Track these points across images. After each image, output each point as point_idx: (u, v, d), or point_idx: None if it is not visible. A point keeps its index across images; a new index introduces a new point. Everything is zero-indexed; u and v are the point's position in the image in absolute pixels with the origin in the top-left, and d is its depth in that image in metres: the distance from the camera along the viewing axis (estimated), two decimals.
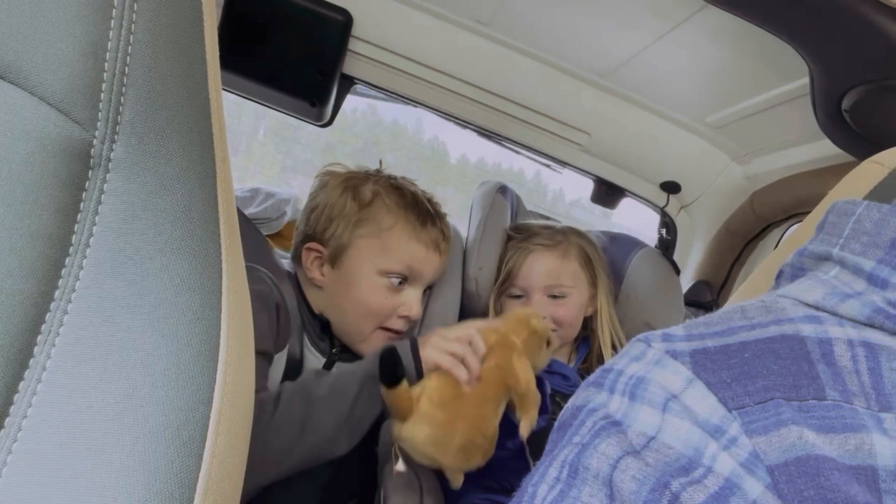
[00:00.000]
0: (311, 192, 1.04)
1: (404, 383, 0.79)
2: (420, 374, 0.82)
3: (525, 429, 0.83)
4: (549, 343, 0.93)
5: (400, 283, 0.97)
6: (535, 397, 0.84)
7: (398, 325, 1.00)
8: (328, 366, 1.01)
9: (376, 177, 1.02)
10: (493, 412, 0.82)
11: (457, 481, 0.86)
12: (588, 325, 1.21)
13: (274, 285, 0.89)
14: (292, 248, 1.04)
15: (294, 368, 0.96)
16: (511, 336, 0.86)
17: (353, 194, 0.97)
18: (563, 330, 1.12)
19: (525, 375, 0.83)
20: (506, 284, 1.15)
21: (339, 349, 1.02)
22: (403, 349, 0.83)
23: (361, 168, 1.05)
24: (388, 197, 0.98)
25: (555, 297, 1.12)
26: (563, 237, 1.17)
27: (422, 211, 0.99)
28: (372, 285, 0.96)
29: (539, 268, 1.13)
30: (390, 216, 0.96)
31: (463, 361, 0.82)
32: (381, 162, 1.10)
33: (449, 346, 0.82)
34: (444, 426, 0.79)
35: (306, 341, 0.99)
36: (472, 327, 0.86)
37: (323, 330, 1.01)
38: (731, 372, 0.31)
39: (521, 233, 1.20)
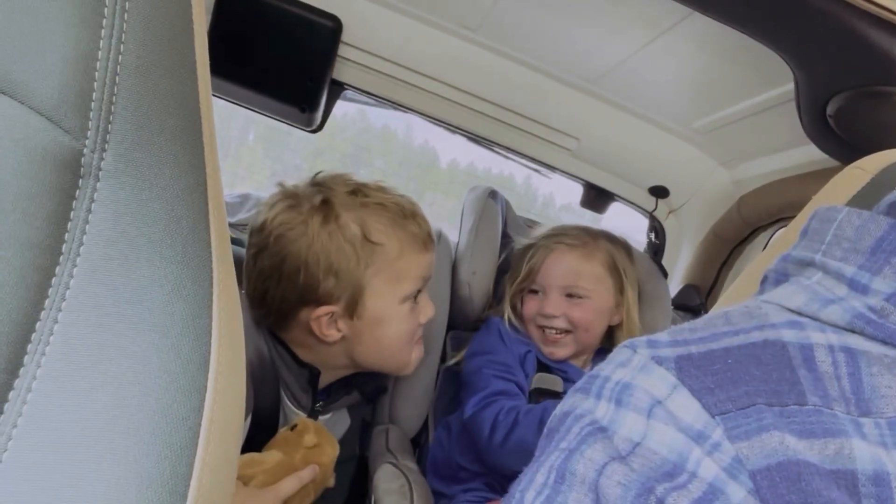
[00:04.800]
0: (271, 249, 0.86)
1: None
2: None
3: None
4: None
5: (416, 296, 0.93)
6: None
7: (421, 332, 0.97)
8: None
9: (339, 198, 0.88)
10: None
11: None
12: (612, 335, 1.18)
13: None
14: (273, 314, 0.89)
15: (265, 432, 0.89)
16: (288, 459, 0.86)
17: (342, 235, 0.85)
18: (578, 332, 1.10)
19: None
20: (527, 281, 1.14)
21: (322, 402, 0.96)
22: None
23: (297, 188, 0.90)
24: (375, 221, 0.87)
25: (571, 296, 1.10)
26: (590, 239, 1.15)
27: (408, 217, 0.91)
28: (399, 316, 0.90)
29: (559, 265, 1.11)
30: (392, 243, 0.88)
31: None
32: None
33: None
34: None
35: (284, 399, 0.92)
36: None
37: (309, 381, 0.93)
38: (714, 378, 0.31)
39: (552, 232, 1.17)
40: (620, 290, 1.14)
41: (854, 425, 0.30)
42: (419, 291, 0.93)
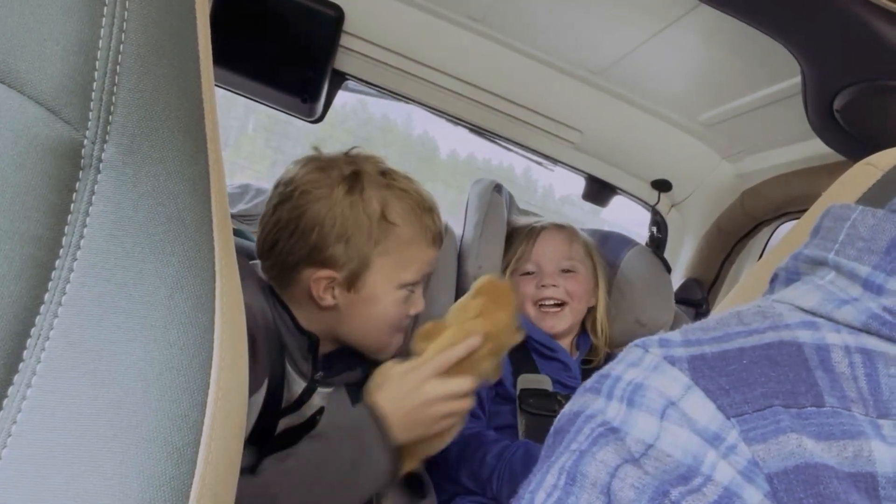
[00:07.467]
0: (293, 203, 0.89)
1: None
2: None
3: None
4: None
5: (413, 286, 0.96)
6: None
7: (407, 322, 0.99)
8: (308, 391, 0.94)
9: (368, 174, 0.92)
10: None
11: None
12: (587, 319, 1.27)
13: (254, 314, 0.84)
14: (276, 267, 0.92)
15: (274, 398, 0.89)
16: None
17: (363, 207, 0.88)
18: (573, 303, 1.19)
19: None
20: (519, 262, 1.22)
21: (321, 374, 0.96)
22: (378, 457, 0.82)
23: (330, 156, 0.95)
24: (395, 204, 0.91)
25: (564, 271, 1.20)
26: (568, 227, 1.27)
27: (425, 210, 0.94)
28: (393, 300, 0.93)
29: (551, 244, 1.22)
30: (406, 228, 0.91)
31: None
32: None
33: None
34: None
35: (287, 366, 0.92)
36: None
37: (308, 349, 0.94)
38: (729, 379, 0.31)
39: (530, 223, 1.28)
40: (595, 272, 1.25)
41: (873, 427, 0.29)
42: (417, 284, 0.96)
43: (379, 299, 0.91)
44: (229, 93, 1.36)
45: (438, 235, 0.97)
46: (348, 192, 0.88)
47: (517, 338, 0.94)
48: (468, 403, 0.86)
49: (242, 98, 1.37)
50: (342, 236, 0.87)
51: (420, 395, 0.83)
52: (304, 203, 0.88)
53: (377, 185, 0.91)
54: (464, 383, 0.85)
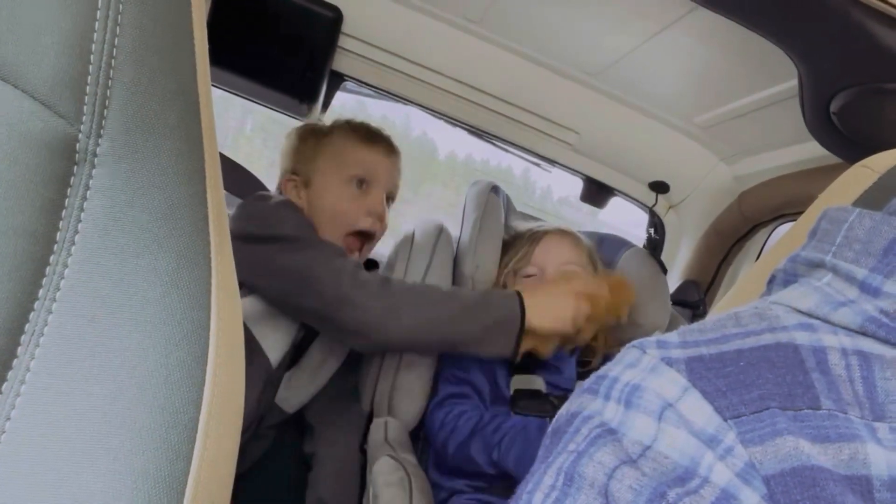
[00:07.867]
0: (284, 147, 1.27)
1: None
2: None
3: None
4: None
5: (361, 184, 1.17)
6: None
7: (368, 224, 1.17)
8: None
9: (334, 123, 1.23)
10: None
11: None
12: None
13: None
14: (280, 187, 1.24)
15: None
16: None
17: (315, 135, 1.21)
18: None
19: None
20: (522, 261, 1.22)
21: None
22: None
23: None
24: (339, 128, 1.21)
25: None
26: (572, 232, 1.28)
27: (368, 131, 1.21)
28: (342, 194, 1.16)
29: (555, 247, 1.22)
30: (342, 136, 1.19)
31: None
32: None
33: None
34: None
35: None
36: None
37: None
38: (726, 380, 0.31)
39: (532, 228, 1.28)
40: None
41: (868, 430, 0.29)
42: (367, 183, 1.17)
43: (328, 189, 1.16)
44: (227, 93, 1.36)
45: (383, 148, 1.20)
46: (307, 133, 1.22)
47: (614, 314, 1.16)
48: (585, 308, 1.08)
49: (240, 99, 1.37)
50: (297, 158, 1.20)
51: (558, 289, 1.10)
52: (287, 140, 1.24)
53: (332, 125, 1.21)
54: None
